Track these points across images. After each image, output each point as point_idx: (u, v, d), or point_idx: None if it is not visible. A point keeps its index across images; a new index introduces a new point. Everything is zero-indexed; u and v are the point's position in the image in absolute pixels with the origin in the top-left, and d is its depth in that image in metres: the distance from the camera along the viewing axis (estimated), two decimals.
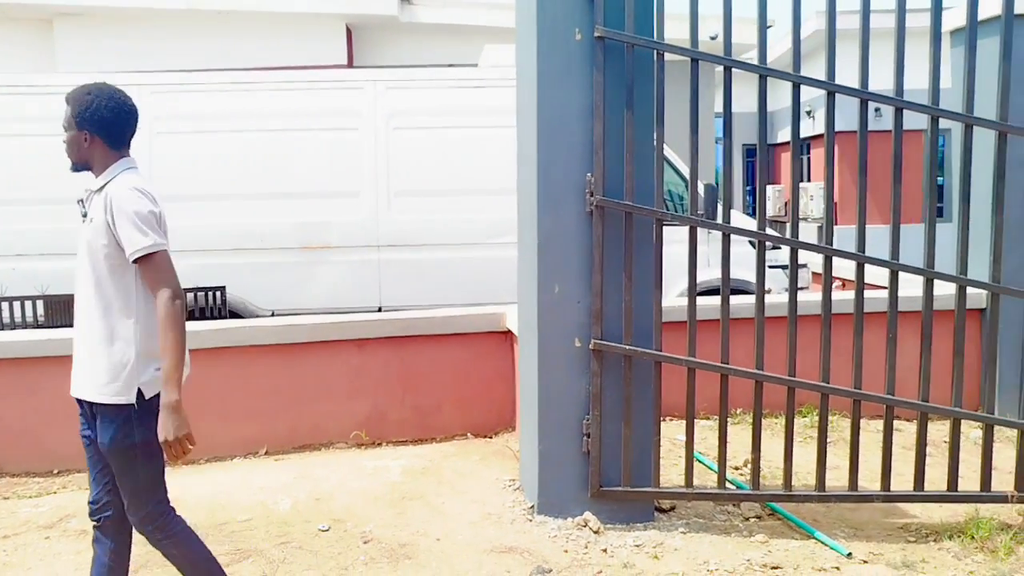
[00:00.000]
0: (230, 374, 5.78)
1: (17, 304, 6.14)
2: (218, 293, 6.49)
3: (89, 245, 2.97)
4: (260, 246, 7.16)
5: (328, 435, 5.82)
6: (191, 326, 5.81)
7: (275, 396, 5.81)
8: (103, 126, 3.03)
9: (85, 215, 3.05)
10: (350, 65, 10.96)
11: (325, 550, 4.08)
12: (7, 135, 7.28)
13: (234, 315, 7.00)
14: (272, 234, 7.19)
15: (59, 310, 6.17)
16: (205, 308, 6.56)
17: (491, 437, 5.87)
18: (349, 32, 11.13)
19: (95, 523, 3.13)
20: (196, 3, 10.48)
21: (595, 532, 4.22)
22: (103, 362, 2.94)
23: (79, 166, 3.10)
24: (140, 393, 2.94)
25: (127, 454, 2.96)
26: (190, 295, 6.53)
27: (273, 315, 6.92)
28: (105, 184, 3.00)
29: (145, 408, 2.95)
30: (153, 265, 2.89)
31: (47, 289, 6.36)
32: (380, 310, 7.19)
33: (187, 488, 4.85)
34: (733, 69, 4.20)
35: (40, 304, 6.19)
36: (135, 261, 2.89)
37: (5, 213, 7.01)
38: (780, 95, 16.48)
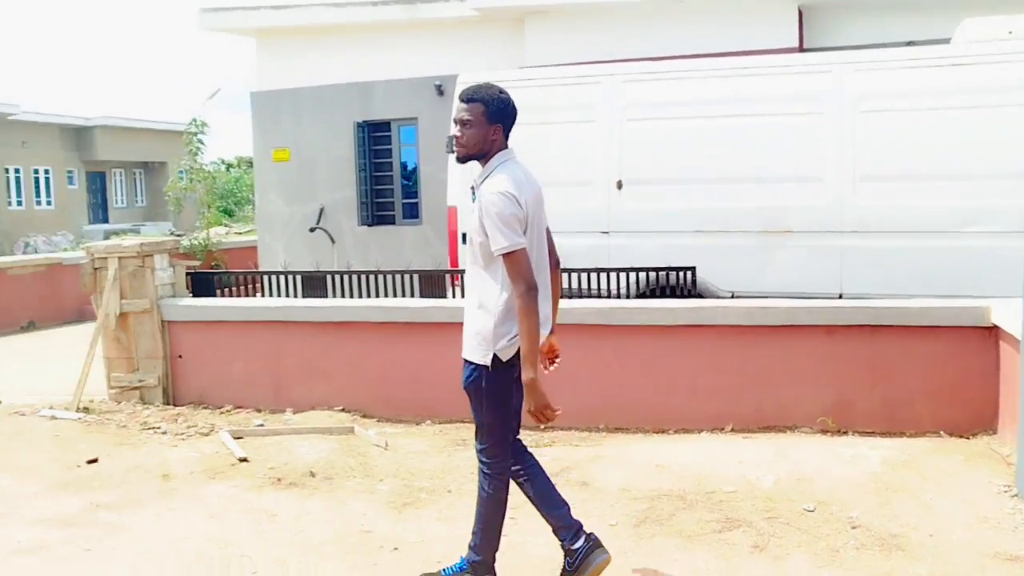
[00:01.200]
0: (700, 350, 6.05)
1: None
2: (688, 273, 6.79)
3: (478, 229, 3.44)
4: (722, 229, 7.36)
5: (793, 418, 5.88)
6: (668, 303, 6.18)
7: (742, 375, 5.98)
8: (509, 122, 3.51)
9: (475, 200, 3.52)
10: (800, 48, 10.80)
11: (813, 529, 4.16)
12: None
13: (696, 295, 7.28)
14: (734, 218, 7.35)
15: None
16: (676, 287, 6.89)
17: (968, 438, 5.56)
18: (800, 14, 10.97)
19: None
20: None
21: None
22: (471, 327, 3.53)
23: (474, 157, 3.51)
24: (496, 357, 3.45)
25: (474, 396, 3.55)
26: (663, 274, 6.90)
27: (733, 296, 7.10)
28: (486, 178, 3.47)
29: (497, 368, 3.46)
30: (511, 261, 3.34)
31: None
32: (840, 297, 7.08)
33: (671, 456, 5.18)
34: None
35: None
36: (500, 256, 3.36)
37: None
38: None
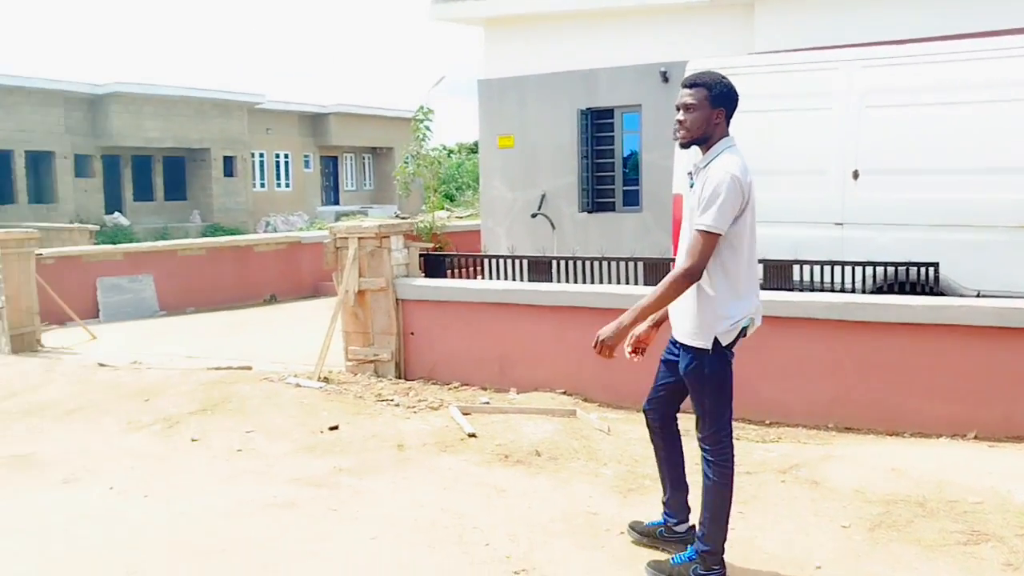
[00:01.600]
0: (941, 352, 5.71)
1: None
2: (930, 269, 6.42)
3: (692, 213, 3.48)
4: (969, 223, 6.90)
5: None
6: (909, 300, 5.87)
7: (988, 380, 5.60)
8: (731, 107, 3.54)
9: (692, 185, 3.56)
10: None
11: None
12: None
13: (938, 293, 6.88)
14: (983, 211, 6.87)
15: (776, 274, 6.67)
16: (915, 283, 6.54)
17: None
18: None
19: (647, 419, 3.93)
20: None
21: None
22: (688, 311, 3.54)
23: (697, 142, 3.54)
24: (716, 341, 3.49)
25: (695, 383, 3.58)
26: (901, 270, 6.56)
27: (979, 295, 6.65)
28: (710, 161, 3.49)
29: (717, 352, 3.51)
30: (701, 240, 3.37)
31: (765, 255, 6.91)
32: None
33: (908, 460, 4.94)
34: None
35: (759, 268, 6.76)
36: (695, 230, 3.39)
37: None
38: None
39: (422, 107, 18.65)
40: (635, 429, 5.89)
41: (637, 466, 5.11)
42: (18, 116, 29.81)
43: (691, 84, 3.53)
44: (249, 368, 7.69)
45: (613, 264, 7.21)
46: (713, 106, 3.50)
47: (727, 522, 3.65)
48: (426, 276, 7.73)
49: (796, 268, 6.74)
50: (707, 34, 12.00)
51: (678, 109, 3.56)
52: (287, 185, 38.56)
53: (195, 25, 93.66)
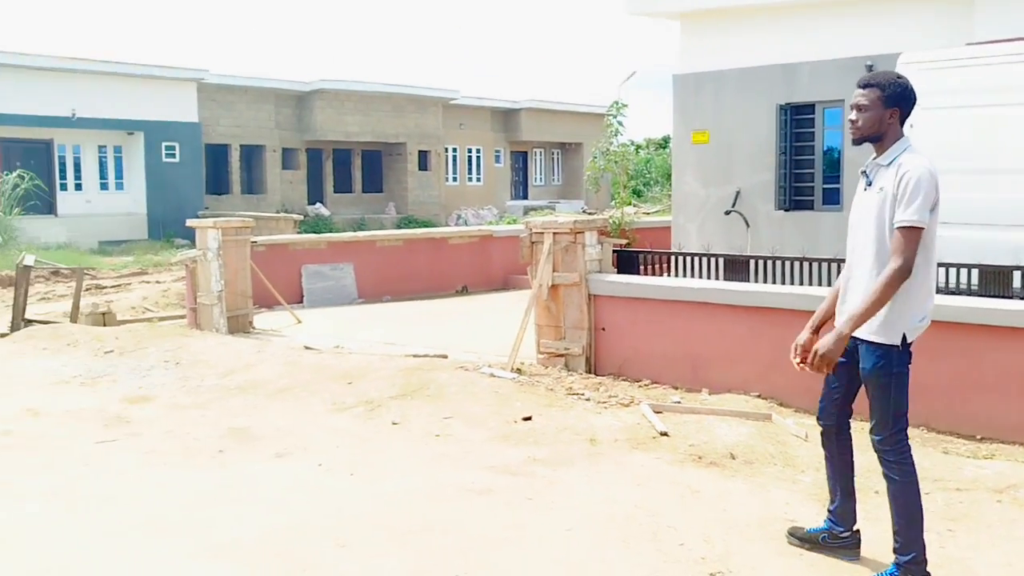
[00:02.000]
0: None
1: (953, 271, 6.40)
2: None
3: (876, 211, 3.50)
4: None
5: None
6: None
7: None
8: (907, 106, 3.57)
9: (870, 184, 3.59)
10: None
11: None
12: (936, 108, 7.56)
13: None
14: None
15: (993, 280, 6.27)
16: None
17: None
18: None
19: (821, 426, 3.93)
20: None
21: None
22: None
23: (868, 139, 3.58)
24: (903, 337, 3.51)
25: (882, 381, 3.55)
26: (974, 271, 6.10)
27: None
28: (894, 159, 3.52)
29: (905, 349, 3.53)
30: (907, 236, 3.40)
31: (982, 259, 6.50)
32: None
33: None
34: None
35: (975, 272, 6.36)
36: (897, 228, 3.41)
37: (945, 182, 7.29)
38: None
39: (616, 102, 18.66)
40: None
41: None
42: (234, 113, 31.91)
43: (865, 84, 3.60)
44: (445, 356, 7.93)
45: (815, 265, 6.97)
46: (886, 106, 3.55)
47: (922, 526, 3.58)
48: (618, 272, 7.73)
49: (1017, 274, 6.31)
50: (918, 24, 11.38)
51: (851, 109, 3.64)
52: (478, 179, 39.45)
53: (395, 23, 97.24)
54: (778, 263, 7.11)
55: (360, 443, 5.52)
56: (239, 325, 10.21)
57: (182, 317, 12.35)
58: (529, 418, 5.91)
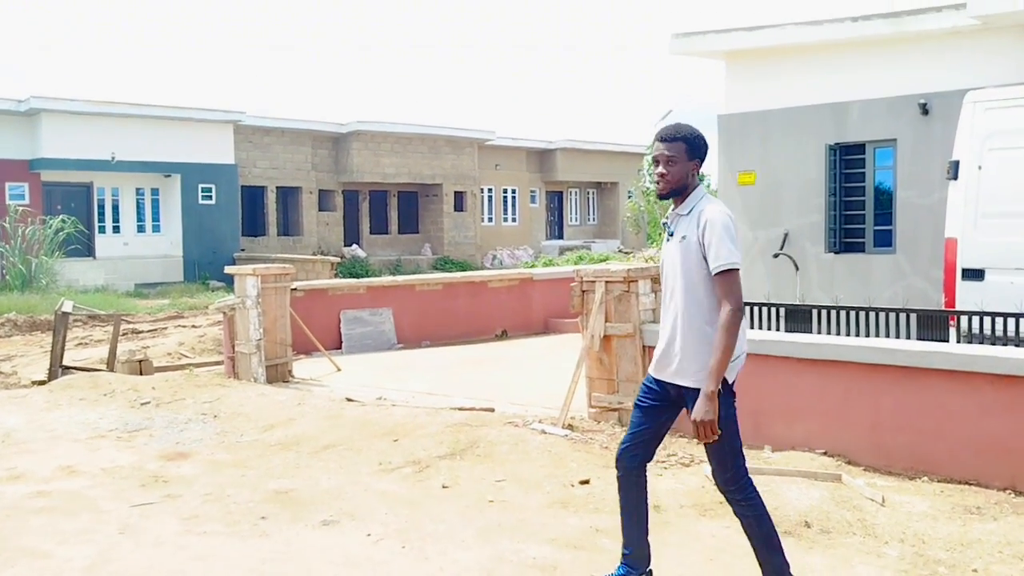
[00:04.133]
0: None
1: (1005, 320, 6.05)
2: None
3: (681, 259, 3.72)
4: None
5: None
6: None
7: None
8: (704, 158, 3.82)
9: (671, 235, 3.82)
10: None
11: None
12: (1006, 148, 7.24)
13: None
14: None
15: None
16: None
17: None
18: None
19: (624, 469, 4.02)
20: None
21: None
22: (700, 354, 3.67)
23: (675, 193, 3.80)
24: (725, 380, 3.65)
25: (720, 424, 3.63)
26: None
27: None
28: (694, 208, 3.74)
29: (728, 390, 3.71)
30: (730, 280, 3.61)
31: None
32: None
33: None
34: None
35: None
36: (717, 274, 3.61)
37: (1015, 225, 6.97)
38: None
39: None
40: (913, 501, 5.32)
41: (926, 547, 4.56)
42: (271, 154, 32.09)
43: (672, 138, 3.77)
44: (491, 410, 7.64)
45: (881, 315, 6.62)
46: (690, 158, 3.78)
47: (783, 549, 3.83)
48: None
49: None
50: (975, 61, 11.05)
51: (656, 163, 3.84)
52: (513, 219, 39.32)
53: (431, 65, 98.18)
54: (840, 313, 6.77)
55: (410, 509, 5.21)
56: (278, 374, 9.98)
57: (219, 364, 12.17)
58: (587, 481, 5.58)
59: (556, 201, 42.21)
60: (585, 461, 6.02)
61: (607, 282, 7.18)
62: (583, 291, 7.36)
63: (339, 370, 10.74)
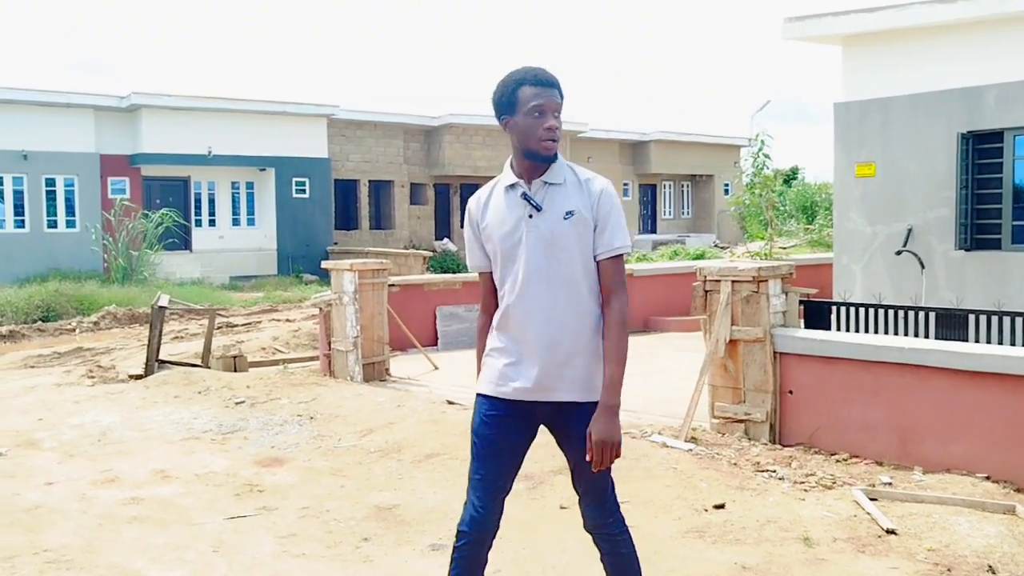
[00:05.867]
0: None
1: None
2: None
3: (563, 239, 2.96)
4: None
5: None
6: None
7: None
8: None
9: (539, 208, 2.98)
10: None
11: None
12: None
13: None
14: None
15: None
16: None
17: None
18: None
19: (474, 537, 3.06)
20: None
21: None
22: (583, 358, 2.98)
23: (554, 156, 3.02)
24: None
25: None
26: None
27: None
28: (566, 176, 3.03)
29: None
30: (620, 267, 3.00)
31: None
32: None
33: None
34: None
35: None
36: (610, 258, 2.97)
37: None
38: None
39: (759, 133, 17.62)
40: None
41: None
42: (364, 148, 32.04)
43: (557, 84, 3.01)
44: None
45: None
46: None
47: None
48: (806, 326, 6.76)
49: None
50: None
51: (543, 113, 2.98)
52: None
53: (524, 56, 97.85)
54: (1006, 320, 6.02)
55: (526, 534, 4.70)
56: (375, 373, 9.61)
57: (313, 359, 11.89)
58: (722, 506, 5.00)
59: (649, 194, 41.34)
60: (715, 481, 5.43)
61: (734, 281, 6.56)
62: (706, 291, 6.75)
63: (436, 368, 10.34)
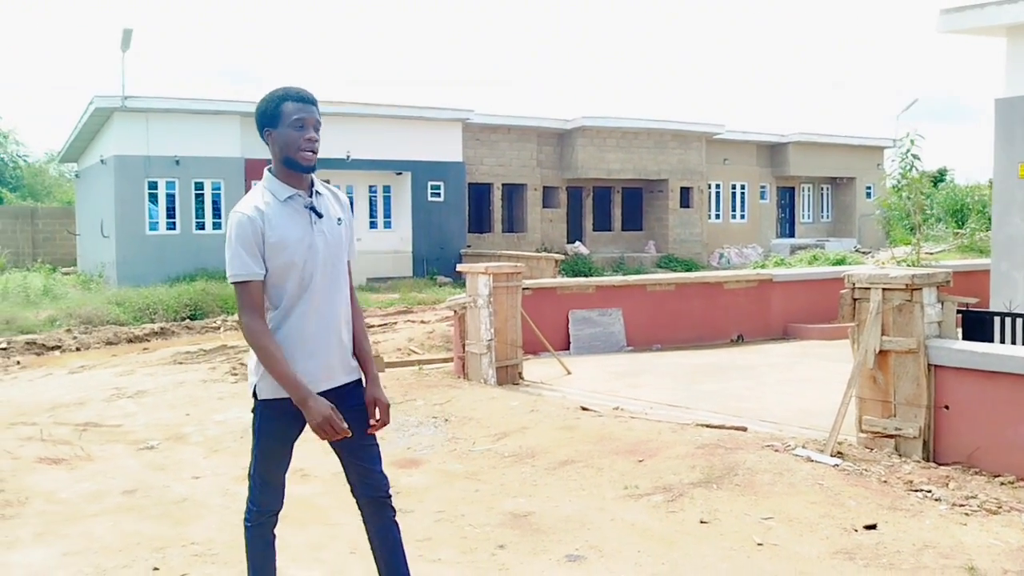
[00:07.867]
0: None
1: None
2: None
3: (344, 244, 3.46)
4: None
5: None
6: None
7: None
8: None
9: (321, 216, 3.34)
10: None
11: None
12: None
13: None
14: None
15: None
16: None
17: None
18: None
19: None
20: None
21: None
22: (348, 344, 3.47)
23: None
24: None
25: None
26: None
27: None
28: (319, 188, 3.42)
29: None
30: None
31: None
32: None
33: None
34: None
35: None
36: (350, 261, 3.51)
37: None
38: None
39: (908, 134, 16.83)
40: None
41: None
42: (497, 152, 32.27)
43: (316, 101, 3.35)
44: (744, 429, 6.84)
45: None
46: None
47: None
48: (963, 337, 6.36)
49: None
50: None
51: (307, 127, 3.30)
52: (742, 216, 37.69)
53: (655, 60, 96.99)
54: None
55: (665, 548, 4.55)
56: (508, 376, 9.59)
57: (447, 360, 11.98)
58: (873, 526, 4.72)
59: (787, 197, 40.14)
60: (865, 499, 5.14)
61: (885, 289, 6.22)
62: (855, 298, 6.42)
63: (569, 373, 10.24)
